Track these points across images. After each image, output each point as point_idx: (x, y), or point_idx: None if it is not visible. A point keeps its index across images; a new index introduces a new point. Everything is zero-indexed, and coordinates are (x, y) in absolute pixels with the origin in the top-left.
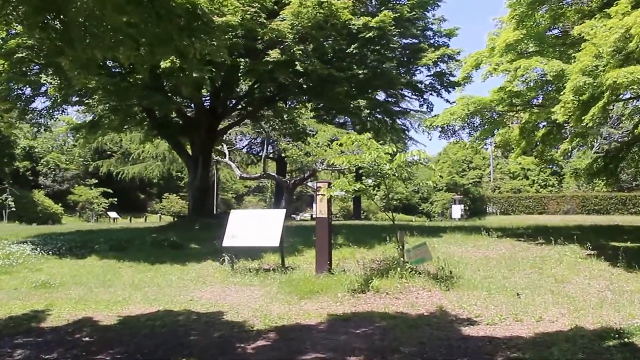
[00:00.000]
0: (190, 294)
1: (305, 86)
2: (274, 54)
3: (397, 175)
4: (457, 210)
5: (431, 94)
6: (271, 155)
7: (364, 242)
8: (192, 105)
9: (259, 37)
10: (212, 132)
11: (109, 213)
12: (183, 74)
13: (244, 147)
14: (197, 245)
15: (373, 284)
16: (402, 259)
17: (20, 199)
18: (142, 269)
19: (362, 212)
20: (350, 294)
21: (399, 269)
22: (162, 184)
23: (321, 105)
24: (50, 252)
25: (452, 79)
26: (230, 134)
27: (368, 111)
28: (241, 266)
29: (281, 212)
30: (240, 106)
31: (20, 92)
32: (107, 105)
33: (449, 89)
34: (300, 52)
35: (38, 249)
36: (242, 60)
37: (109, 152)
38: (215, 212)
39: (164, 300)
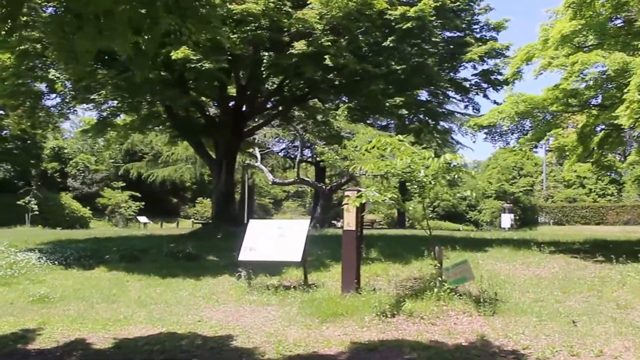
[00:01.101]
0: (199, 314)
1: (337, 82)
2: (299, 46)
3: (433, 183)
4: (506, 220)
5: (476, 94)
6: (309, 160)
7: (400, 257)
8: (216, 103)
9: (285, 29)
10: (237, 134)
11: (138, 218)
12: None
13: (280, 150)
14: (215, 257)
15: (405, 307)
16: (440, 278)
17: (47, 201)
18: (151, 283)
19: (407, 219)
20: (378, 318)
21: (435, 289)
22: (195, 188)
23: (358, 108)
24: (56, 262)
25: (499, 77)
26: (265, 135)
27: (407, 111)
28: (259, 282)
29: (305, 223)
30: (269, 105)
31: (28, 88)
32: (118, 102)
33: (497, 87)
34: (330, 44)
35: (44, 258)
36: (266, 54)
37: (140, 154)
38: (249, 218)
39: (170, 320)
